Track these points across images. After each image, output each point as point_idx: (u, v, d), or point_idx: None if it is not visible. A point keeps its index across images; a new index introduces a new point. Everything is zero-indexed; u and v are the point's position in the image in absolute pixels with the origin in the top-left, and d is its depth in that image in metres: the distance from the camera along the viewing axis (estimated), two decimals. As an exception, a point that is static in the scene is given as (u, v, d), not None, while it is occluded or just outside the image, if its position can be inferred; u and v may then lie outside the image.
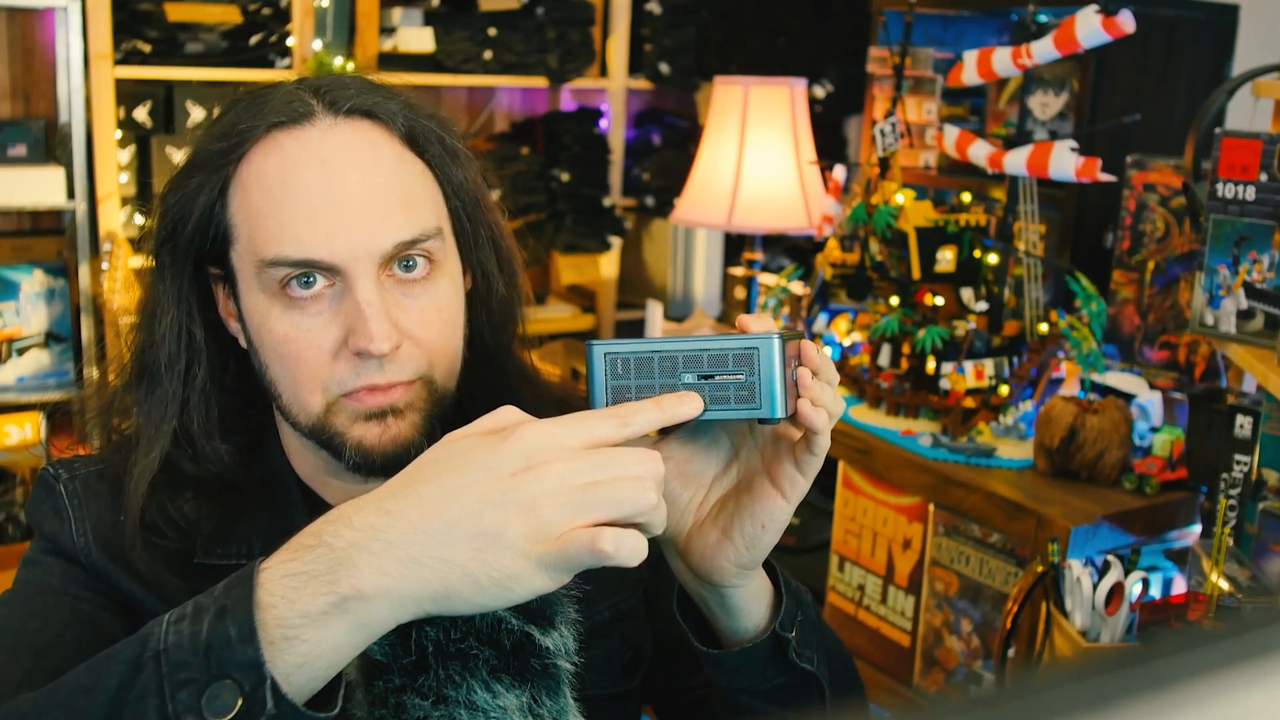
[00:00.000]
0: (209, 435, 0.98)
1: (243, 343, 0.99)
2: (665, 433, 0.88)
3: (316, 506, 1.02)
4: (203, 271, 0.98)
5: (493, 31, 3.67)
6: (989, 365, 2.11)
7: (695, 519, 0.88)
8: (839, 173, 2.54)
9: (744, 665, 0.92)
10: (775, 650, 0.92)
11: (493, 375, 1.06)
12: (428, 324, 0.94)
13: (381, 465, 0.94)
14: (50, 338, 3.29)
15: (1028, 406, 2.14)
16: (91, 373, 3.52)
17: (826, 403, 0.81)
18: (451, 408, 0.98)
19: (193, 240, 0.95)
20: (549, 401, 1.07)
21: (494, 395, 1.03)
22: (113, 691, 0.70)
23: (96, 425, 1.05)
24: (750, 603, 0.90)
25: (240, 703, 0.68)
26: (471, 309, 1.03)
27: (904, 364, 2.16)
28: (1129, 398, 2.01)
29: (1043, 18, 2.41)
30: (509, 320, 1.07)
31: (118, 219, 3.19)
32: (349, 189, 0.90)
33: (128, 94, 3.23)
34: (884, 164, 2.24)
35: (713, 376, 0.80)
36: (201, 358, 0.98)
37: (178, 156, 3.28)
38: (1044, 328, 2.13)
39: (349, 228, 0.89)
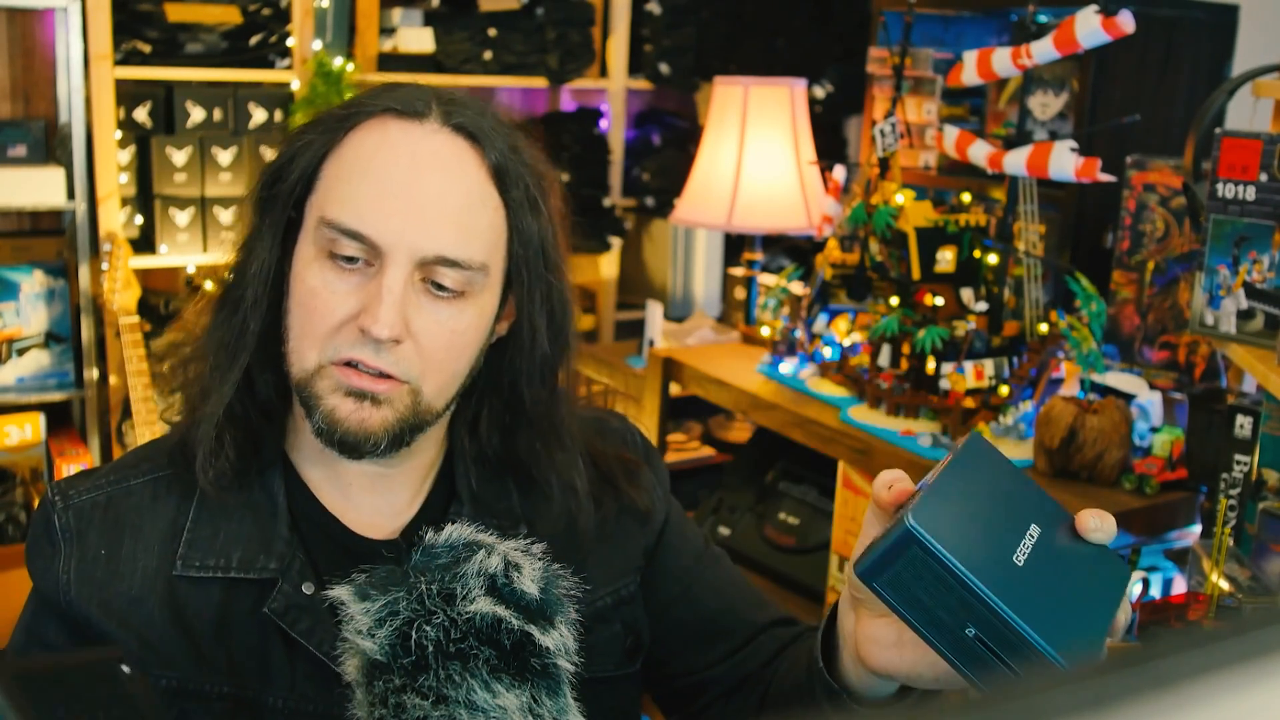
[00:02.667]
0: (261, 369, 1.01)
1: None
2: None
3: (301, 516, 1.02)
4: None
5: (493, 32, 3.67)
6: (989, 365, 2.11)
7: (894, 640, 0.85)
8: (839, 173, 2.54)
9: (873, 711, 0.92)
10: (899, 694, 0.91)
11: (520, 426, 1.07)
12: (435, 336, 0.96)
13: (340, 440, 0.96)
14: (50, 338, 3.28)
15: (1028, 406, 2.14)
16: (91, 373, 3.50)
17: None
18: (438, 431, 1.02)
19: (291, 188, 0.98)
20: (577, 455, 1.09)
21: (520, 446, 1.06)
22: None
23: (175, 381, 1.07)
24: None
25: None
26: (509, 357, 1.05)
27: (904, 364, 2.16)
28: (1129, 398, 2.01)
29: (1043, 18, 2.41)
30: (548, 374, 1.07)
31: (118, 219, 3.19)
32: (422, 190, 0.95)
33: (128, 94, 3.23)
34: (884, 164, 2.24)
35: (993, 649, 0.70)
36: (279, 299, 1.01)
37: (178, 156, 3.28)
38: (1044, 328, 2.13)
39: (405, 221, 0.94)
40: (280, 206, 0.99)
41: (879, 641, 0.84)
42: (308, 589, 0.98)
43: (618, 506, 1.12)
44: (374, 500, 1.04)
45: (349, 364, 0.95)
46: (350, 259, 0.95)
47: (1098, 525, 0.78)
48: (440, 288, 0.96)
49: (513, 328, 1.05)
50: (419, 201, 0.95)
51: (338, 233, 0.94)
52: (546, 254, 1.03)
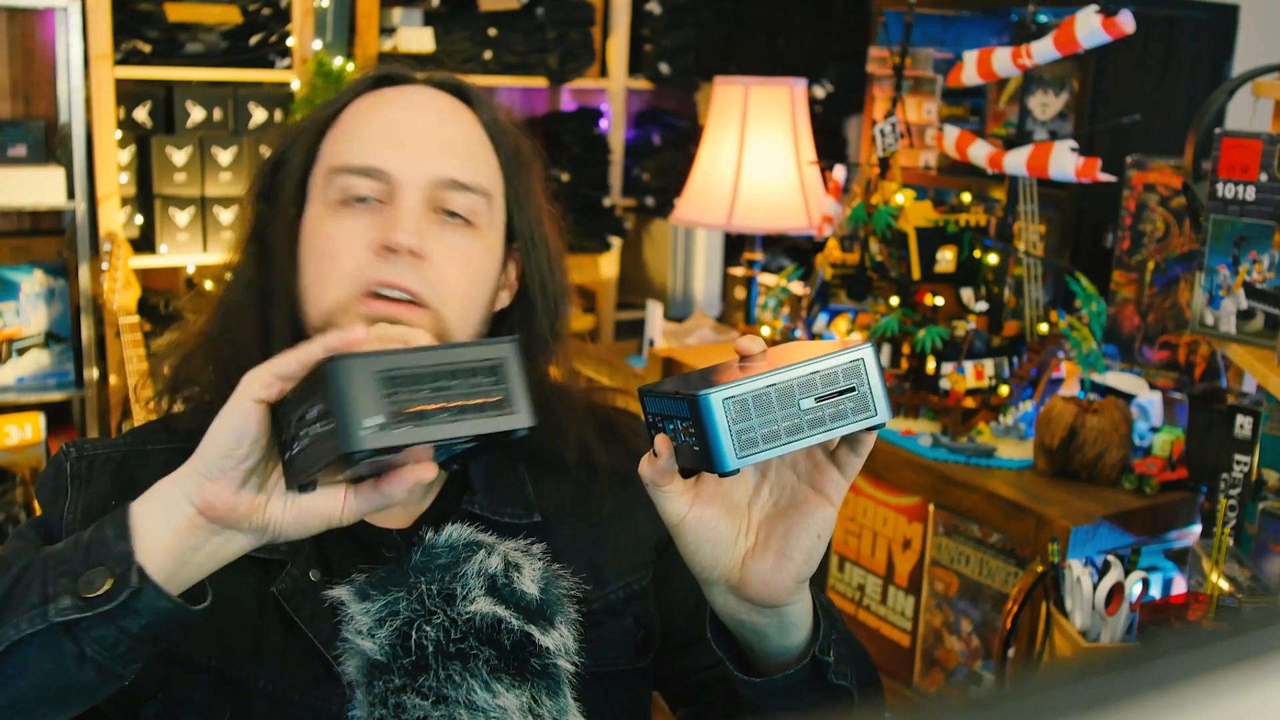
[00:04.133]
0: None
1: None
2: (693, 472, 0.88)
3: None
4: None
5: (493, 32, 3.67)
6: (989, 365, 2.11)
7: (745, 548, 0.87)
8: (839, 173, 2.54)
9: (783, 688, 0.92)
10: (815, 673, 0.92)
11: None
12: (452, 260, 1.00)
13: None
14: (50, 338, 3.29)
15: (1028, 406, 2.14)
16: (91, 373, 3.48)
17: None
18: None
19: (295, 171, 1.03)
20: (588, 424, 1.11)
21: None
22: (6, 587, 0.82)
23: (170, 383, 1.08)
24: (804, 615, 0.91)
25: (110, 583, 0.79)
26: (508, 329, 1.08)
27: (904, 364, 2.16)
28: (1129, 398, 2.01)
29: (1043, 18, 2.41)
30: (551, 338, 1.10)
31: (118, 219, 3.19)
32: (424, 124, 1.01)
33: (128, 94, 3.23)
34: (884, 164, 2.24)
35: (829, 395, 0.80)
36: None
37: (178, 156, 3.28)
38: (1044, 328, 2.13)
39: (413, 150, 0.99)
40: (287, 189, 1.03)
41: (769, 571, 0.86)
42: (314, 575, 0.98)
43: (630, 495, 1.12)
44: None
45: (374, 295, 0.97)
46: (363, 199, 0.98)
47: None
48: (451, 214, 1.00)
49: (514, 298, 1.09)
50: (423, 133, 1.00)
51: (349, 175, 0.98)
52: (542, 217, 1.09)
